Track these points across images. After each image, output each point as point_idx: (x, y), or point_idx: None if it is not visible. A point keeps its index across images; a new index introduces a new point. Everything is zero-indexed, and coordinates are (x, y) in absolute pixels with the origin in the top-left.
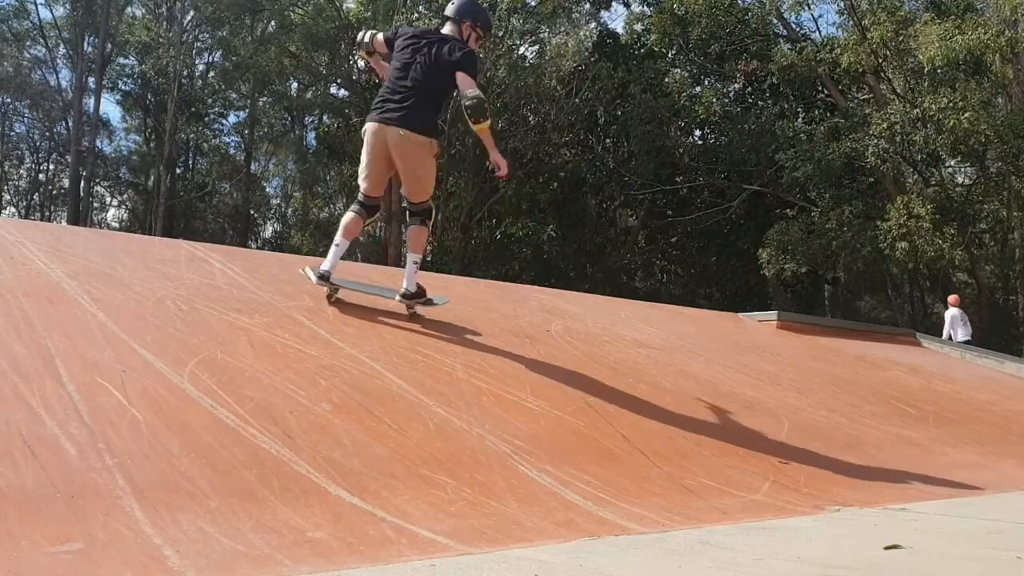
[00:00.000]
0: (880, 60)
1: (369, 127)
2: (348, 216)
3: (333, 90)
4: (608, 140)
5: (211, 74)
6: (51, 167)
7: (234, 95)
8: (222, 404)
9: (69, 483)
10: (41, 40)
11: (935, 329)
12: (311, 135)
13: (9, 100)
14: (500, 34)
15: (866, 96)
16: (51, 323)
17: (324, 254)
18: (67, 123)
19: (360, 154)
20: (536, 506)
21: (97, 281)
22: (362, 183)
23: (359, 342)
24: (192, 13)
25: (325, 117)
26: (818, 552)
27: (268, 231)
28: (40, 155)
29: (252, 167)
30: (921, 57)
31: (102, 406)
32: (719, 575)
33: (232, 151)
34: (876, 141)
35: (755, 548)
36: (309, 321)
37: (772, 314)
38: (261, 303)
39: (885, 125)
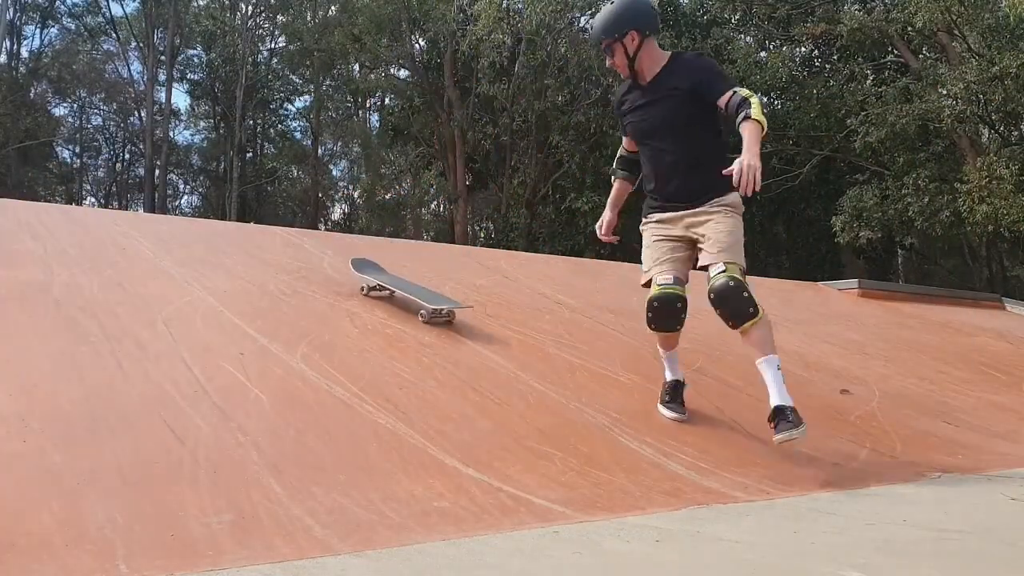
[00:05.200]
0: (955, 17)
1: None
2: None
3: (392, 71)
4: None
5: (274, 60)
6: (126, 157)
7: (298, 80)
8: (336, 383)
9: (209, 459)
10: (113, 34)
11: (1014, 293)
12: (374, 117)
13: (85, 94)
14: (561, 8)
15: (937, 55)
16: (169, 309)
17: (391, 235)
18: (139, 114)
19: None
20: (642, 476)
21: (204, 268)
22: None
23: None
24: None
25: (387, 99)
26: (927, 516)
27: (337, 213)
28: (116, 146)
29: (319, 151)
30: (1005, 6)
31: (227, 387)
32: (835, 540)
33: (299, 136)
34: (951, 102)
35: (864, 513)
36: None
37: (853, 282)
38: (357, 285)
39: (962, 85)
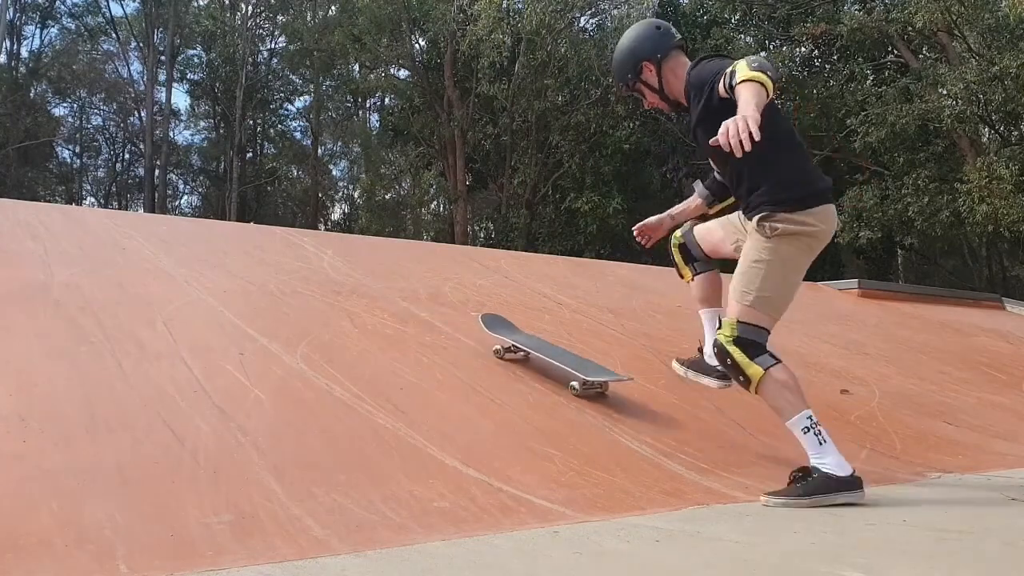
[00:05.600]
0: (955, 17)
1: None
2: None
3: (392, 71)
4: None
5: (274, 60)
6: (126, 157)
7: (298, 80)
8: (336, 383)
9: (208, 459)
10: (112, 34)
11: (1014, 293)
12: (374, 117)
13: (85, 94)
14: (561, 8)
15: (937, 55)
16: (169, 309)
17: (391, 235)
18: (139, 114)
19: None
20: (642, 476)
21: (204, 268)
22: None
23: (452, 320)
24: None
25: (387, 99)
26: (927, 517)
27: (337, 213)
28: (116, 146)
29: (319, 151)
30: (1006, 6)
31: (227, 387)
32: (835, 540)
33: (298, 136)
34: (951, 102)
35: (864, 513)
36: (404, 301)
37: (853, 282)
38: (357, 285)
39: (961, 85)
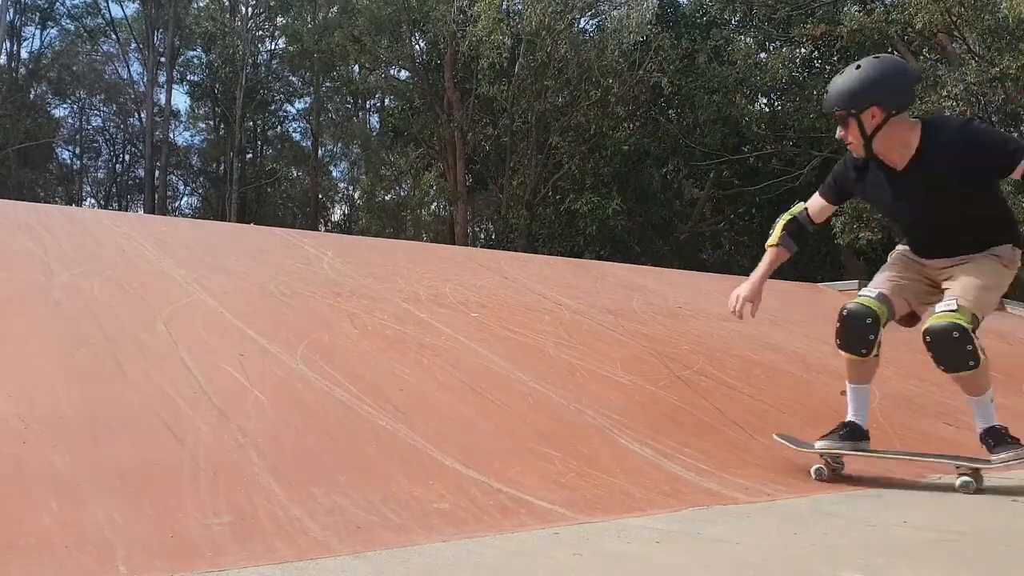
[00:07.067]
0: (955, 18)
1: None
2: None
3: (393, 72)
4: (672, 111)
5: (274, 62)
6: (126, 158)
7: (298, 82)
8: (336, 384)
9: (208, 460)
10: (112, 35)
11: (1014, 293)
12: (374, 118)
13: (85, 96)
14: (561, 9)
15: (937, 57)
16: (169, 311)
17: (391, 236)
18: (139, 115)
19: None
20: (642, 477)
21: (204, 269)
22: None
23: (452, 322)
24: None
25: (387, 100)
26: (927, 517)
27: (337, 215)
28: (116, 147)
29: (319, 152)
30: (1005, 8)
31: (227, 388)
32: (835, 541)
33: (298, 137)
34: (951, 103)
35: (864, 515)
36: (404, 303)
37: (853, 283)
38: (357, 286)
39: (961, 86)
